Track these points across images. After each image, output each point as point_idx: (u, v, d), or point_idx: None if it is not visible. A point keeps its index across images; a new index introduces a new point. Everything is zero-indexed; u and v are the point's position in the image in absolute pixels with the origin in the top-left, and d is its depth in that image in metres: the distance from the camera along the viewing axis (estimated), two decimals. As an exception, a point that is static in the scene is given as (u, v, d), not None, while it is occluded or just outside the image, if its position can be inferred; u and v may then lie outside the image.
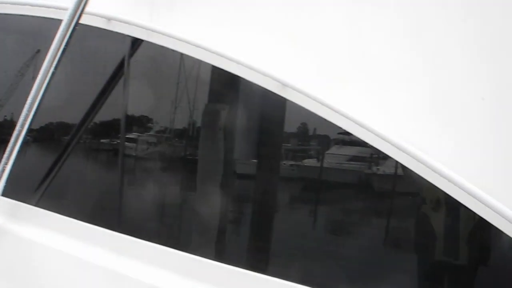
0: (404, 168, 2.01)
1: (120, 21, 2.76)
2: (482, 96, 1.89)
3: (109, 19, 2.80)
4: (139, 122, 3.02)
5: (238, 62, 2.29)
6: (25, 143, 2.75)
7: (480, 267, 2.06)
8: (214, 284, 2.26)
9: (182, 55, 2.56)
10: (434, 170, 1.89)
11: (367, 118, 2.02)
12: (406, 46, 2.08)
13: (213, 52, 2.37)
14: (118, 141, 2.92)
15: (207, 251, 2.49)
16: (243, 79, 2.32)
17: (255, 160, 2.68)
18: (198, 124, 2.82)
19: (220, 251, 2.63)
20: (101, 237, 2.65)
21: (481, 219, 1.82)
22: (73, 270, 2.66)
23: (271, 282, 2.14)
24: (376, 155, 2.22)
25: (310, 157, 2.57)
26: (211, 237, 2.64)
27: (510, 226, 1.73)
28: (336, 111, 2.06)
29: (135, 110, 2.94)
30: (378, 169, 2.27)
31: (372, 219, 2.39)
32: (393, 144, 1.97)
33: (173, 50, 2.54)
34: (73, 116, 3.07)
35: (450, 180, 1.85)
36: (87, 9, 2.70)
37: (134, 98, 2.83)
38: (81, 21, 2.72)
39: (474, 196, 1.81)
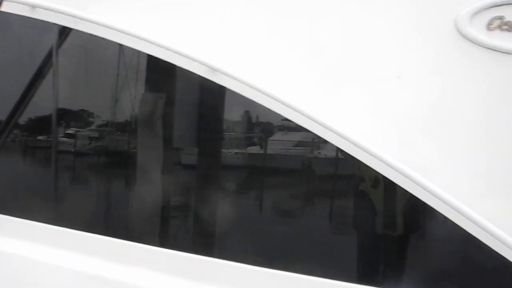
0: (342, 150, 2.05)
1: (45, 8, 2.61)
2: (398, 74, 1.94)
3: (33, 6, 2.65)
4: (71, 116, 2.90)
5: (167, 48, 2.23)
6: None
7: (413, 237, 2.17)
8: (157, 270, 2.32)
9: (112, 43, 2.46)
10: (367, 152, 1.94)
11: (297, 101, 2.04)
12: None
13: (142, 39, 2.29)
14: (49, 136, 2.82)
15: (150, 239, 2.50)
16: (174, 65, 2.27)
17: (196, 148, 2.64)
18: (135, 115, 2.73)
19: (164, 239, 2.62)
20: (41, 232, 2.59)
21: (412, 196, 1.92)
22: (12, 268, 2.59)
23: (219, 264, 2.21)
24: (312, 139, 2.24)
25: (249, 143, 2.56)
26: (154, 225, 2.62)
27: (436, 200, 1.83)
28: (266, 94, 2.05)
29: (65, 103, 2.82)
30: (319, 152, 2.30)
31: (316, 199, 2.43)
32: (327, 128, 2.00)
33: (102, 38, 2.45)
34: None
35: (381, 161, 1.92)
36: (8, -4, 2.56)
37: (64, 90, 2.72)
38: (2, 9, 2.57)
39: (403, 174, 1.88)
